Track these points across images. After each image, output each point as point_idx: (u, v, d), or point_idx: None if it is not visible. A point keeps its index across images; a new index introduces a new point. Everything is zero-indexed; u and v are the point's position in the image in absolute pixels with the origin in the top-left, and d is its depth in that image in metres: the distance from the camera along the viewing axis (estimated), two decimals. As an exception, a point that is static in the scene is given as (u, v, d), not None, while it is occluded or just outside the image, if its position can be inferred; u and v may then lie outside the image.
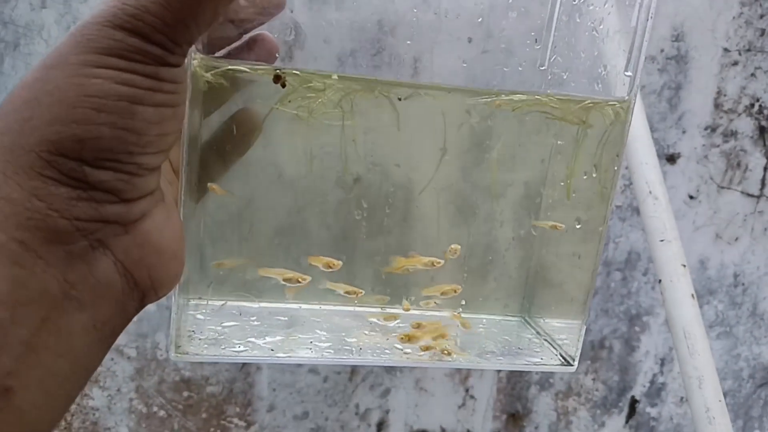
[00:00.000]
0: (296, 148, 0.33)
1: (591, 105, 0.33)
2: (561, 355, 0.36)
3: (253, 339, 0.33)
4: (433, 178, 0.35)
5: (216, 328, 0.33)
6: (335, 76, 0.31)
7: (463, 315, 0.37)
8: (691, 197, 0.78)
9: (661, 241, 0.52)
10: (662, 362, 0.83)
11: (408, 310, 0.36)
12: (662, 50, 0.72)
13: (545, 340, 0.37)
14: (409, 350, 0.34)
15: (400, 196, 0.35)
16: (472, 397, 0.80)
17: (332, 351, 0.33)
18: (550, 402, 0.82)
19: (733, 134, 0.76)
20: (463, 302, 0.37)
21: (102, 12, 0.22)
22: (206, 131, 0.31)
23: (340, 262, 0.34)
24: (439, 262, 0.35)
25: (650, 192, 0.52)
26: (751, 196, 0.79)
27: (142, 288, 0.25)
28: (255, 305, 0.35)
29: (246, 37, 0.30)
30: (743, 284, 0.82)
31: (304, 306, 0.36)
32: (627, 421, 0.84)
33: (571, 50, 0.35)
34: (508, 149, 0.36)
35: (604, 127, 0.34)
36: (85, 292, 0.23)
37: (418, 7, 0.34)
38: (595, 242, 0.34)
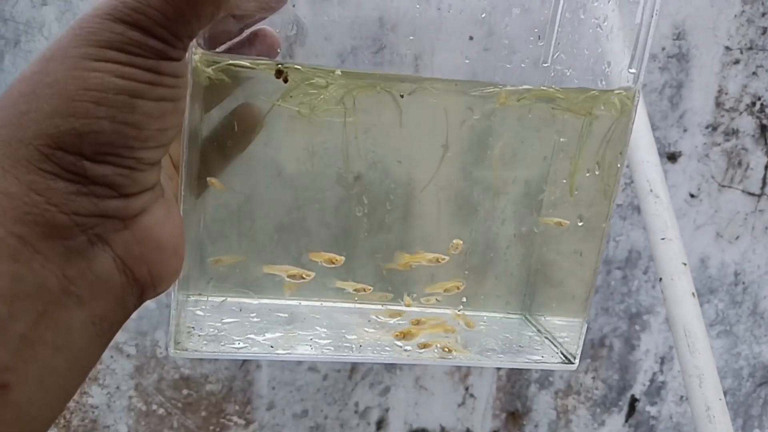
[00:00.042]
0: (297, 144, 0.33)
1: (597, 94, 0.33)
2: (562, 353, 0.36)
3: (252, 335, 0.33)
4: (435, 175, 0.35)
5: (216, 324, 0.33)
6: (339, 72, 0.31)
7: (464, 313, 0.37)
8: (692, 196, 0.78)
9: (662, 239, 0.51)
10: (662, 361, 0.83)
11: (409, 305, 0.36)
12: (663, 48, 0.72)
13: (546, 337, 0.37)
14: (409, 347, 0.34)
15: (401, 194, 0.35)
16: (471, 395, 0.80)
17: (332, 348, 0.33)
18: (549, 400, 0.82)
19: (735, 133, 0.76)
20: (464, 299, 0.37)
21: (103, 5, 0.22)
22: (207, 126, 0.30)
23: (343, 258, 0.34)
24: (443, 259, 0.34)
25: (651, 190, 0.52)
26: (752, 194, 0.79)
27: (142, 283, 0.24)
28: (255, 302, 0.35)
29: (247, 32, 0.30)
30: (744, 283, 0.82)
31: (304, 302, 0.35)
32: (627, 420, 0.84)
33: (574, 47, 0.35)
34: (510, 146, 0.36)
35: (608, 123, 0.34)
36: (84, 287, 0.22)
37: (419, 4, 0.34)
38: (597, 240, 0.34)
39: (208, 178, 0.31)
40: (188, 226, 0.29)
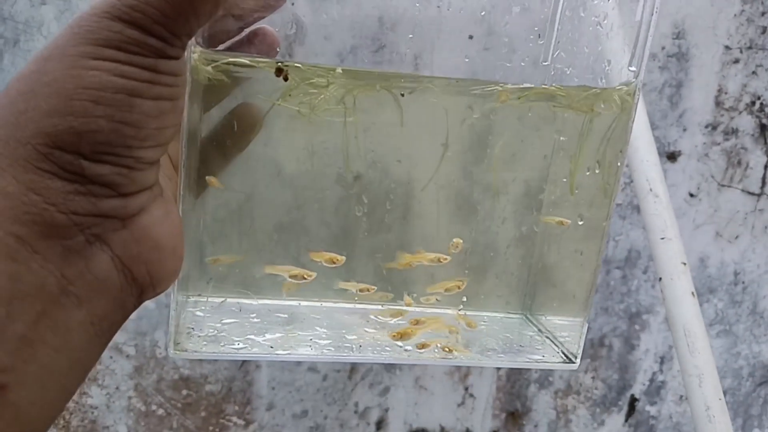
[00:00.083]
0: (297, 144, 0.33)
1: (598, 92, 0.33)
2: (563, 353, 0.36)
3: (252, 336, 0.33)
4: (435, 174, 0.35)
5: (215, 325, 0.33)
6: (339, 70, 0.30)
7: (464, 312, 0.37)
8: (691, 195, 0.78)
9: (662, 239, 0.51)
10: (662, 360, 0.82)
11: (410, 305, 0.35)
12: (663, 48, 0.72)
13: (547, 337, 0.37)
14: (409, 347, 0.34)
15: (401, 193, 0.35)
16: (471, 395, 0.80)
17: (332, 348, 0.33)
18: (549, 400, 0.82)
19: (734, 132, 0.76)
20: (465, 299, 0.37)
21: (101, 3, 0.21)
22: (206, 126, 0.30)
23: (344, 257, 0.33)
24: (445, 258, 0.34)
25: (651, 190, 0.52)
26: (752, 194, 0.79)
27: (140, 283, 0.24)
28: (255, 302, 0.35)
29: (247, 31, 0.30)
30: (743, 282, 0.82)
31: (304, 303, 0.35)
32: (626, 420, 0.84)
33: (574, 45, 0.35)
34: (510, 145, 0.35)
35: (608, 121, 0.34)
36: (83, 287, 0.22)
37: (419, 3, 0.34)
38: (597, 239, 0.34)
39: (207, 177, 0.31)
40: (187, 226, 0.29)
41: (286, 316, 0.35)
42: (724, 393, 0.61)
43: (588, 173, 0.35)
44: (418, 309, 0.36)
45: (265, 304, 0.35)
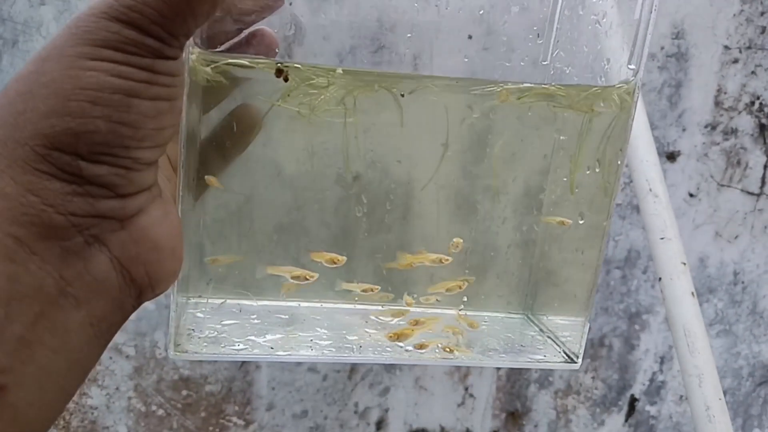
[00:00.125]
0: (297, 144, 0.33)
1: (598, 91, 0.33)
2: (564, 353, 0.36)
3: (253, 337, 0.33)
4: (435, 174, 0.35)
5: (216, 326, 0.33)
6: (340, 70, 0.30)
7: (465, 312, 0.37)
8: (691, 195, 0.78)
9: (661, 239, 0.51)
10: (662, 360, 0.82)
11: (411, 305, 0.35)
12: (662, 48, 0.72)
13: (548, 337, 0.37)
14: (410, 348, 0.34)
15: (401, 193, 0.35)
16: (471, 395, 0.80)
17: (333, 349, 0.33)
18: (549, 400, 0.82)
19: (734, 132, 0.76)
20: (465, 299, 0.37)
21: (98, 3, 0.21)
22: (206, 127, 0.30)
23: (345, 258, 0.33)
24: (447, 259, 0.34)
25: (650, 190, 0.52)
26: (751, 194, 0.79)
27: (139, 284, 0.24)
28: (255, 303, 0.35)
29: (245, 32, 0.30)
30: (743, 282, 0.82)
31: (304, 304, 0.35)
32: (626, 420, 0.84)
33: (573, 44, 0.35)
34: (510, 145, 0.35)
35: (608, 120, 0.34)
36: (81, 288, 0.22)
37: (418, 3, 0.34)
38: (598, 238, 0.34)
39: (206, 177, 0.31)
40: (187, 227, 0.29)
41: (286, 317, 0.35)
42: (724, 393, 0.61)
43: (588, 172, 0.35)
44: (418, 309, 0.36)
45: (266, 305, 0.35)
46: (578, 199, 0.36)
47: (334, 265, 0.33)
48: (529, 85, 0.33)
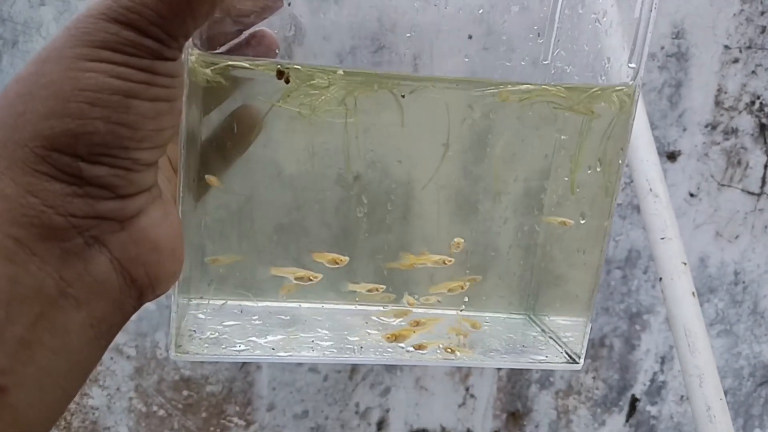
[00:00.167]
0: (297, 145, 0.33)
1: (598, 93, 0.33)
2: (566, 353, 0.36)
3: (254, 338, 0.33)
4: (436, 174, 0.35)
5: (217, 327, 0.33)
6: (341, 72, 0.30)
7: (466, 313, 0.37)
8: (691, 195, 0.78)
9: (662, 238, 0.51)
10: (663, 360, 0.82)
11: (413, 305, 0.35)
12: (663, 47, 0.72)
13: (550, 338, 0.37)
14: (411, 348, 0.34)
15: (402, 193, 0.35)
16: (472, 395, 0.80)
17: (334, 350, 0.33)
18: (550, 401, 0.82)
19: (734, 132, 0.76)
20: (466, 299, 0.37)
21: (97, 5, 0.21)
22: (206, 128, 0.30)
23: (347, 258, 0.33)
24: (450, 261, 0.34)
25: (651, 190, 0.52)
26: (752, 193, 0.79)
27: (140, 285, 0.24)
28: (256, 304, 0.34)
29: (246, 33, 0.30)
30: (744, 282, 0.82)
31: (306, 305, 0.35)
32: (627, 420, 0.84)
33: (574, 43, 0.35)
34: (511, 145, 0.35)
35: (608, 120, 0.33)
36: (81, 289, 0.22)
37: (418, 2, 0.34)
38: (599, 238, 0.34)
39: (206, 176, 0.31)
40: (187, 227, 0.29)
41: (287, 318, 0.35)
42: (725, 393, 0.61)
43: (589, 171, 0.35)
44: (420, 310, 0.36)
45: (267, 306, 0.35)
46: (579, 199, 0.36)
47: (337, 266, 0.33)
48: (529, 86, 0.33)
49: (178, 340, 0.31)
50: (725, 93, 0.75)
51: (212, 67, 0.29)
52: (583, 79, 0.35)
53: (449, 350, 0.34)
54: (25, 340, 0.21)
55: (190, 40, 0.25)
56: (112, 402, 0.73)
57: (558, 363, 0.35)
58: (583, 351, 0.35)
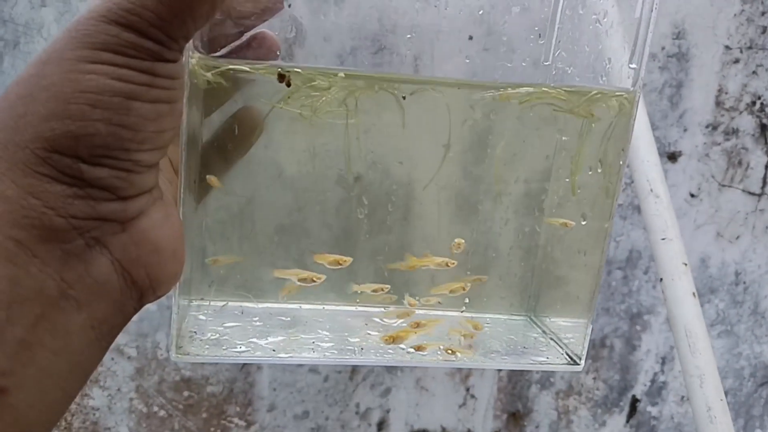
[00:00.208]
0: (298, 146, 0.33)
1: (598, 96, 0.33)
2: (567, 354, 0.36)
3: (255, 339, 0.33)
4: (437, 175, 0.35)
5: (217, 328, 0.33)
6: (342, 74, 0.30)
7: (467, 314, 0.37)
8: (692, 195, 0.77)
9: (663, 239, 0.51)
10: (663, 361, 0.82)
11: (415, 305, 0.35)
12: (663, 48, 0.72)
13: (551, 339, 0.37)
14: (411, 350, 0.34)
15: (403, 194, 0.34)
16: (472, 396, 0.80)
17: (335, 351, 0.33)
18: (550, 401, 0.82)
19: (735, 132, 0.76)
20: (467, 301, 0.37)
21: (97, 7, 0.21)
22: (207, 130, 0.30)
23: (350, 259, 0.33)
24: (453, 263, 0.34)
25: (651, 190, 0.52)
26: (753, 194, 0.79)
27: (141, 287, 0.24)
28: (257, 305, 0.34)
29: (247, 35, 0.30)
30: (744, 282, 0.82)
31: (307, 306, 0.35)
32: (628, 421, 0.84)
33: (575, 44, 0.35)
34: (512, 146, 0.35)
35: (608, 121, 0.33)
36: (82, 291, 0.22)
37: (418, 3, 0.34)
38: (600, 239, 0.34)
39: (207, 176, 0.31)
40: (188, 229, 0.29)
41: (288, 319, 0.35)
42: (726, 393, 0.61)
43: (590, 173, 0.35)
44: (421, 311, 0.36)
45: (267, 307, 0.35)
46: (580, 201, 0.36)
47: (340, 266, 0.33)
48: (528, 89, 0.33)
49: (179, 341, 0.31)
50: (726, 93, 0.75)
51: (213, 71, 0.29)
52: (584, 79, 0.35)
53: (450, 351, 0.34)
54: (26, 341, 0.21)
55: (191, 42, 0.25)
56: (113, 402, 0.73)
57: (559, 364, 0.35)
58: (584, 352, 0.35)
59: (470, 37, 0.35)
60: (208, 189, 0.31)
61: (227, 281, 0.34)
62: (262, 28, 0.30)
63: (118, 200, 0.23)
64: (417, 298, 0.36)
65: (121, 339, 0.71)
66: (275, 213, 0.34)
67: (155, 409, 0.73)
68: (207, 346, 0.32)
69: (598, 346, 0.81)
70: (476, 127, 0.34)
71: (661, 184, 0.52)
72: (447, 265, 0.34)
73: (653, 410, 0.84)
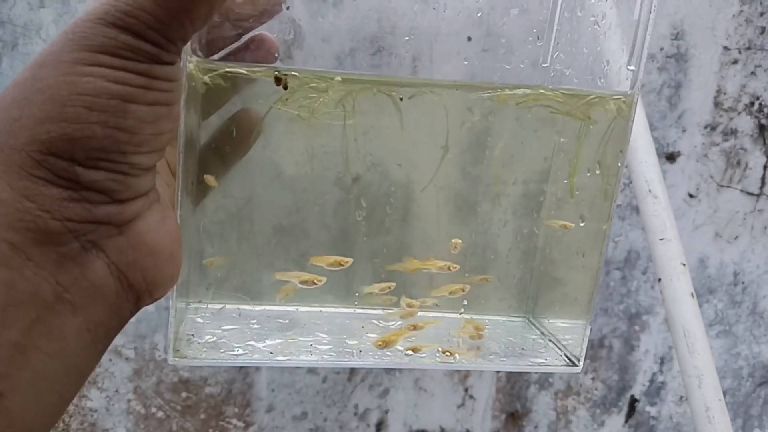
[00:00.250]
0: (296, 147, 0.33)
1: (596, 99, 0.33)
2: (566, 356, 0.35)
3: (252, 342, 0.33)
4: (435, 176, 0.35)
5: (215, 331, 0.33)
6: (339, 78, 0.30)
7: (465, 315, 0.36)
8: (690, 196, 0.78)
9: (661, 239, 0.51)
10: (662, 361, 0.82)
11: (416, 306, 0.35)
12: (662, 48, 0.72)
13: (550, 340, 0.37)
14: (410, 352, 0.34)
15: (401, 196, 0.34)
16: (471, 396, 0.80)
17: (333, 354, 0.33)
18: (549, 401, 0.82)
19: (733, 133, 0.76)
20: (465, 302, 0.37)
21: (95, 9, 0.21)
22: (205, 132, 0.30)
23: (351, 260, 0.33)
24: (455, 267, 0.34)
25: (650, 191, 0.52)
26: (751, 194, 0.79)
27: (137, 290, 0.24)
28: (254, 308, 0.34)
29: (245, 37, 0.30)
30: (743, 283, 0.82)
31: (305, 308, 0.35)
32: (626, 421, 0.84)
33: (573, 46, 0.35)
34: (511, 147, 0.35)
35: (607, 123, 0.33)
36: (78, 294, 0.22)
37: (417, 5, 0.34)
38: (599, 240, 0.34)
39: (205, 176, 0.31)
40: (186, 231, 0.29)
41: (286, 321, 0.35)
42: (724, 393, 0.61)
43: (588, 174, 0.35)
44: (420, 313, 0.35)
45: (265, 309, 0.35)
46: (579, 202, 0.36)
47: (341, 267, 0.33)
48: (526, 91, 0.32)
49: (177, 344, 0.31)
50: (724, 94, 0.75)
51: (210, 74, 0.29)
52: (582, 81, 0.35)
53: (448, 353, 0.34)
54: (21, 344, 0.21)
55: (189, 44, 0.25)
56: (111, 404, 0.72)
57: (557, 366, 0.35)
58: (583, 354, 0.35)
59: (469, 39, 0.35)
60: (205, 191, 0.31)
61: (225, 284, 0.34)
62: (260, 30, 0.30)
63: (114, 203, 0.23)
64: (416, 299, 0.36)
65: (119, 340, 0.71)
66: (273, 214, 0.34)
67: (153, 410, 0.73)
68: (205, 349, 0.32)
69: (596, 347, 0.81)
70: (474, 128, 0.34)
71: (660, 184, 0.52)
72: (449, 269, 0.34)
73: (652, 410, 0.84)
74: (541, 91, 0.33)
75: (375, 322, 0.35)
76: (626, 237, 0.77)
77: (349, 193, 0.34)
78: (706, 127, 0.75)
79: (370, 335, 0.34)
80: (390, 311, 0.35)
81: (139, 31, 0.21)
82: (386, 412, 0.78)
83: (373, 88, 0.32)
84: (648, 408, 0.84)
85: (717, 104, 0.75)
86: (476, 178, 0.35)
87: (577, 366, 0.35)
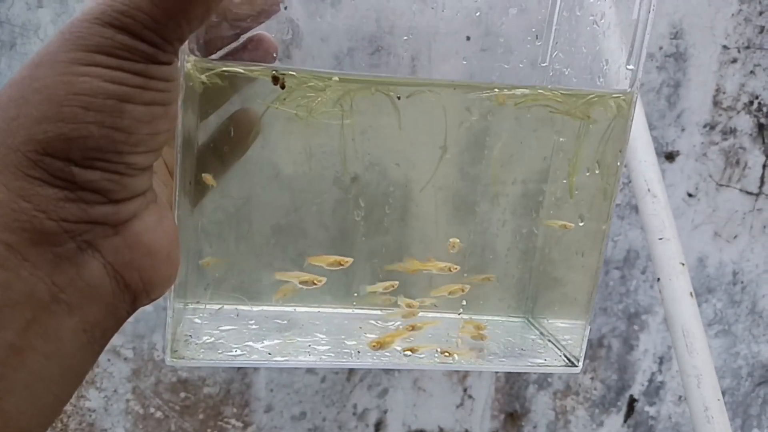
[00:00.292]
0: (294, 147, 0.33)
1: (595, 99, 0.33)
2: (565, 356, 0.35)
3: (251, 343, 0.32)
4: (434, 176, 0.35)
5: (213, 331, 0.33)
6: (336, 78, 0.30)
7: (464, 316, 0.36)
8: (689, 195, 0.77)
9: (660, 239, 0.51)
10: (661, 361, 0.82)
11: (416, 306, 0.35)
12: (661, 48, 0.72)
13: (549, 341, 0.37)
14: (409, 352, 0.33)
15: (400, 196, 0.34)
16: (470, 396, 0.80)
17: (332, 354, 0.33)
18: (548, 401, 0.82)
19: (732, 132, 0.76)
20: (464, 303, 0.36)
21: (92, 9, 0.21)
22: (203, 132, 0.30)
23: (350, 259, 0.33)
24: (456, 268, 0.34)
25: (649, 190, 0.52)
26: (750, 193, 0.79)
27: (134, 290, 0.24)
28: (253, 308, 0.34)
29: (244, 37, 0.30)
30: (742, 282, 0.82)
31: (303, 309, 0.35)
32: (625, 420, 0.84)
33: (572, 46, 0.35)
34: (510, 147, 0.35)
35: (606, 122, 0.33)
36: (74, 294, 0.22)
37: (415, 4, 0.34)
38: (598, 240, 0.34)
39: (203, 175, 0.30)
40: (183, 231, 0.29)
41: (284, 322, 0.34)
42: (723, 393, 0.61)
43: (588, 174, 0.35)
44: (420, 314, 0.35)
45: (263, 310, 0.35)
46: (578, 202, 0.36)
47: (341, 267, 0.33)
48: (525, 91, 0.32)
49: (174, 345, 0.31)
50: (723, 93, 0.75)
51: (207, 73, 0.28)
52: (581, 81, 0.35)
53: (447, 354, 0.34)
54: (17, 345, 0.21)
55: (186, 44, 0.24)
56: (109, 404, 0.72)
57: (557, 366, 0.35)
58: (582, 354, 0.35)
59: (468, 38, 0.35)
60: (203, 191, 0.31)
61: (223, 284, 0.34)
62: (258, 30, 0.30)
63: (110, 203, 0.23)
64: (415, 299, 0.35)
65: (117, 340, 0.71)
66: (271, 214, 0.34)
67: (152, 410, 0.73)
68: (202, 350, 0.31)
69: (595, 346, 0.81)
70: (473, 128, 0.34)
71: (659, 183, 0.52)
72: (449, 270, 0.34)
73: (651, 410, 0.84)
74: (540, 90, 0.33)
75: (373, 322, 0.35)
76: (625, 236, 0.77)
77: (347, 192, 0.34)
78: (705, 127, 0.75)
79: (368, 336, 0.34)
80: (389, 311, 0.35)
81: (136, 30, 0.21)
82: (385, 412, 0.78)
83: (371, 88, 0.31)
84: (647, 408, 0.84)
85: (716, 103, 0.75)
86: (475, 178, 0.35)
87: (577, 366, 0.35)
